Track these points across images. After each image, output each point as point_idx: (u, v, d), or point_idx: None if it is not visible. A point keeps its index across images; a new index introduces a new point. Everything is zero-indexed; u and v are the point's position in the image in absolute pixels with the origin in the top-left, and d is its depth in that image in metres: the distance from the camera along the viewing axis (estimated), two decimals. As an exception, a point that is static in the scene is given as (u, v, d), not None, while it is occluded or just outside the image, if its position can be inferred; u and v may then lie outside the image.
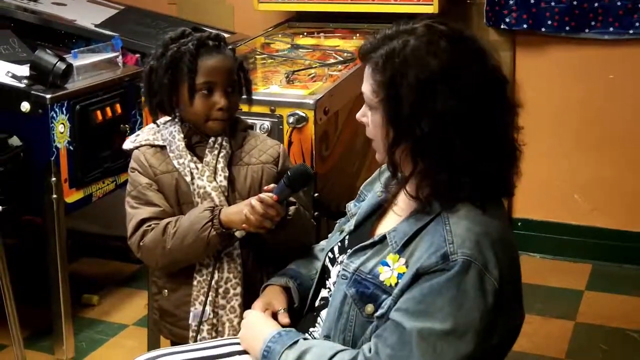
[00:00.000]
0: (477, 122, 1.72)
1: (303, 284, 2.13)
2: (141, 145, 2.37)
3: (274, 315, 2.05)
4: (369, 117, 1.82)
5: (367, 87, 1.79)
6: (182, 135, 2.33)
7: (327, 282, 2.04)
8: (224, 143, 2.34)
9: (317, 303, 2.05)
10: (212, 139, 2.33)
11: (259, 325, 1.98)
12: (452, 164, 1.72)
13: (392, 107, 1.72)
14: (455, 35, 1.76)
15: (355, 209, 2.05)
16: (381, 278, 1.78)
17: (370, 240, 1.86)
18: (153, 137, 2.37)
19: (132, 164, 2.37)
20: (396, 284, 1.74)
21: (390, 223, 1.88)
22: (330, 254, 2.03)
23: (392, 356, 1.68)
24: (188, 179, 2.30)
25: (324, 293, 2.04)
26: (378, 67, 1.75)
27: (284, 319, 2.03)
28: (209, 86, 2.28)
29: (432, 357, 1.65)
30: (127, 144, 2.41)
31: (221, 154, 2.32)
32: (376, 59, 1.75)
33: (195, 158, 2.32)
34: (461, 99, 1.70)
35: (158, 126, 2.39)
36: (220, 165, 2.32)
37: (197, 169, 2.30)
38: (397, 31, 1.78)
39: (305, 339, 1.86)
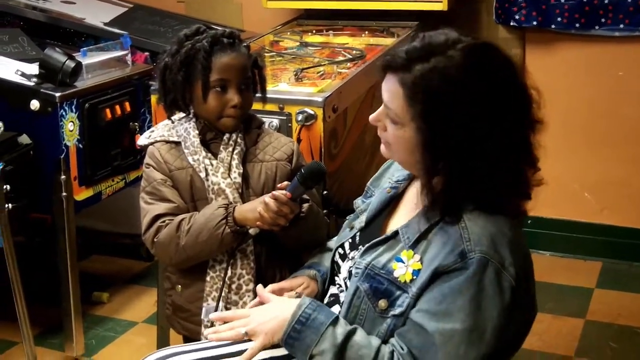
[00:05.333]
0: (510, 144, 1.73)
1: (327, 279, 2.14)
2: (156, 141, 2.38)
3: None
4: (387, 126, 1.81)
5: (396, 106, 1.75)
6: (197, 132, 2.33)
7: (336, 278, 2.04)
8: (239, 140, 2.34)
9: (326, 300, 2.06)
10: (227, 135, 2.34)
11: (283, 298, 1.96)
12: (482, 182, 1.73)
13: (432, 136, 1.71)
14: (492, 60, 1.75)
15: (364, 205, 2.06)
16: (395, 274, 1.78)
17: (383, 236, 1.86)
18: (168, 133, 2.38)
19: (147, 159, 2.37)
20: (411, 281, 1.75)
21: (401, 219, 1.88)
22: (340, 250, 2.03)
23: (418, 358, 1.70)
24: (202, 175, 2.30)
25: (333, 290, 2.05)
26: (416, 94, 1.71)
27: None
28: (222, 83, 2.29)
29: (456, 358, 1.66)
30: (142, 140, 2.41)
31: (236, 151, 2.33)
32: (411, 83, 1.71)
33: (209, 154, 2.32)
34: (499, 124, 1.71)
35: (173, 122, 2.40)
36: (234, 162, 2.32)
37: (212, 165, 2.31)
38: (428, 47, 1.74)
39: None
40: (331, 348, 1.74)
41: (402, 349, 1.72)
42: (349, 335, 1.76)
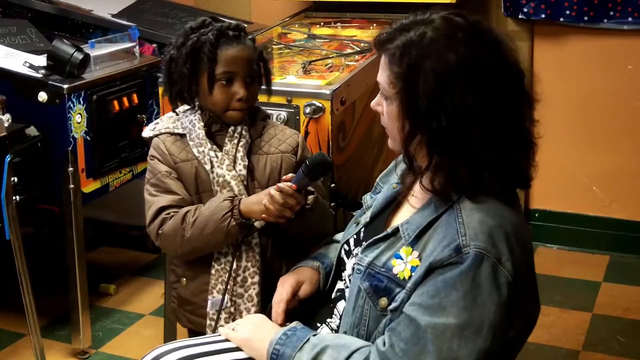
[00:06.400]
0: (494, 115, 1.71)
1: (331, 272, 2.14)
2: (161, 133, 2.38)
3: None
4: (384, 107, 1.81)
5: (383, 78, 1.78)
6: (202, 124, 2.33)
7: (342, 274, 2.04)
8: (244, 132, 2.34)
9: (333, 295, 2.06)
10: (232, 127, 2.34)
11: (261, 327, 1.98)
12: (467, 156, 1.71)
13: (409, 99, 1.72)
14: (472, 28, 1.74)
15: (372, 201, 2.05)
16: (394, 271, 1.77)
17: (384, 233, 1.85)
18: (173, 125, 2.38)
19: (152, 151, 2.37)
20: (410, 277, 1.74)
21: (404, 215, 1.87)
22: (345, 246, 2.03)
23: (406, 350, 1.68)
24: (207, 167, 2.30)
25: (340, 285, 2.05)
26: (395, 59, 1.73)
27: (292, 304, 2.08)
28: (228, 76, 2.28)
29: (449, 353, 1.65)
30: (147, 132, 2.41)
31: (241, 143, 2.33)
32: (392, 50, 1.74)
33: (215, 147, 2.32)
34: (478, 92, 1.69)
35: (177, 114, 2.40)
36: (239, 154, 2.32)
37: (217, 157, 2.31)
38: (413, 21, 1.77)
39: (314, 335, 1.85)
40: None
41: (384, 345, 1.71)
42: (315, 358, 1.78)
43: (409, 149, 1.76)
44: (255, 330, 1.97)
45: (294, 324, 1.92)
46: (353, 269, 1.89)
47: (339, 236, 2.26)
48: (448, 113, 1.68)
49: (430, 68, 1.68)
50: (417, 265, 1.74)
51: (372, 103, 1.86)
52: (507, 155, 1.74)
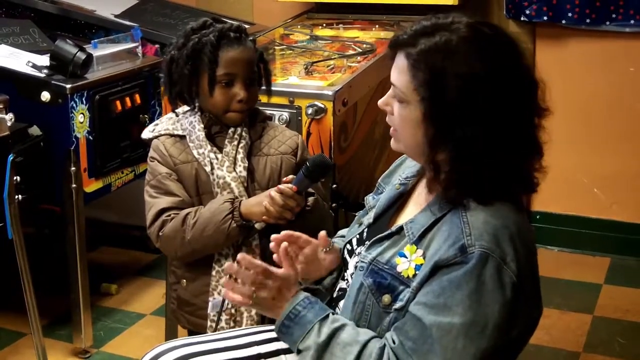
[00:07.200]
0: (515, 124, 1.73)
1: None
2: (160, 135, 2.38)
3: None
4: (394, 108, 1.81)
5: (402, 82, 1.76)
6: (202, 125, 2.34)
7: (345, 273, 2.04)
8: (244, 134, 2.35)
9: (335, 294, 2.06)
10: (232, 129, 2.34)
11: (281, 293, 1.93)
12: (485, 162, 1.72)
13: (434, 107, 1.71)
14: (497, 38, 1.76)
15: (374, 201, 2.05)
16: (398, 269, 1.78)
17: (388, 232, 1.86)
18: (172, 127, 2.38)
19: (152, 153, 2.38)
20: (414, 276, 1.75)
21: (408, 215, 1.88)
22: (348, 246, 2.04)
23: (415, 349, 1.69)
24: (208, 169, 2.31)
25: (342, 284, 2.05)
26: (419, 64, 1.72)
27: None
28: (229, 78, 2.29)
29: (453, 352, 1.66)
30: (146, 134, 2.42)
31: (241, 145, 2.33)
32: (415, 55, 1.73)
33: (215, 148, 2.32)
34: (503, 101, 1.70)
35: (177, 116, 2.40)
36: (239, 156, 2.32)
37: (217, 159, 2.31)
38: (434, 25, 1.76)
39: (333, 313, 1.85)
40: (314, 345, 1.79)
41: (394, 342, 1.72)
42: (334, 332, 1.78)
43: (435, 156, 1.76)
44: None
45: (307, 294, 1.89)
46: (356, 267, 1.90)
47: (343, 231, 2.26)
48: (473, 121, 1.69)
49: (458, 76, 1.68)
50: (421, 264, 1.75)
51: (380, 102, 1.85)
52: (520, 161, 1.77)
